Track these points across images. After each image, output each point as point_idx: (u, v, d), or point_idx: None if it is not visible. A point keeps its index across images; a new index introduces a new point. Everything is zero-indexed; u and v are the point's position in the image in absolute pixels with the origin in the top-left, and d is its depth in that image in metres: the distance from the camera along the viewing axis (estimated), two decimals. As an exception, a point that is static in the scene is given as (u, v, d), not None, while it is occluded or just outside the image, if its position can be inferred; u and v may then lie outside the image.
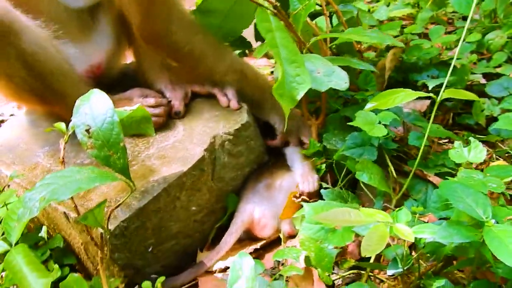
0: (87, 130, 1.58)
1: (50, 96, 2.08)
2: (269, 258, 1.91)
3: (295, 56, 1.73)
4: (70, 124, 1.67)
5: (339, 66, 1.92)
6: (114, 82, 2.32)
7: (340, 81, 1.85)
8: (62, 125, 1.71)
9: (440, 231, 1.30)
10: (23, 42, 1.92)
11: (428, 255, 1.52)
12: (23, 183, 1.99)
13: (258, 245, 1.99)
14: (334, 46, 2.33)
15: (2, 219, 1.90)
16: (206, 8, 2.19)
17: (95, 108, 1.60)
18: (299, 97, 1.72)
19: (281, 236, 1.96)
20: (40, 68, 1.98)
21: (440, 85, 1.90)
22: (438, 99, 1.77)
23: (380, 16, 3.25)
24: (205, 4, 2.18)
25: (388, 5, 3.54)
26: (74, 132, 1.62)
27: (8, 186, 2.04)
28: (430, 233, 1.33)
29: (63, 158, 1.68)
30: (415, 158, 1.85)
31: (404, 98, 1.74)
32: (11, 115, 3.16)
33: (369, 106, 1.83)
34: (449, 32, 3.04)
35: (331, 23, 2.52)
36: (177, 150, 2.00)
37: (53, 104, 2.12)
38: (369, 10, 3.34)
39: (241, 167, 2.10)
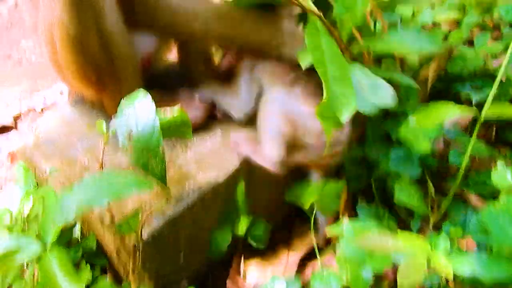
0: (129, 133, 1.58)
1: (109, 79, 2.10)
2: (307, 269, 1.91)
3: (343, 74, 1.66)
4: (111, 124, 1.67)
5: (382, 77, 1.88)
6: (160, 78, 2.31)
7: (387, 96, 1.77)
8: (102, 124, 1.71)
9: (480, 266, 1.28)
10: (105, 20, 1.96)
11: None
12: (61, 178, 2.00)
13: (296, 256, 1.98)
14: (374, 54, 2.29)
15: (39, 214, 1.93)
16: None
17: (138, 111, 1.60)
18: (344, 119, 1.62)
19: (315, 247, 1.95)
20: (113, 48, 2.02)
21: (484, 98, 1.86)
22: (481, 116, 1.73)
23: (425, 20, 3.18)
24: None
25: (433, 8, 3.47)
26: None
27: (47, 181, 2.06)
28: (469, 267, 1.30)
29: (102, 161, 1.68)
30: (455, 176, 1.81)
31: (448, 114, 1.71)
32: (53, 103, 3.20)
33: (411, 120, 1.79)
34: (495, 39, 2.97)
35: (374, 28, 2.47)
36: (215, 156, 1.99)
37: (107, 88, 2.14)
38: (413, 14, 3.26)
39: (278, 179, 2.08)
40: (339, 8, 1.94)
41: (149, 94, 1.61)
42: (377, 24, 2.50)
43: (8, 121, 3.04)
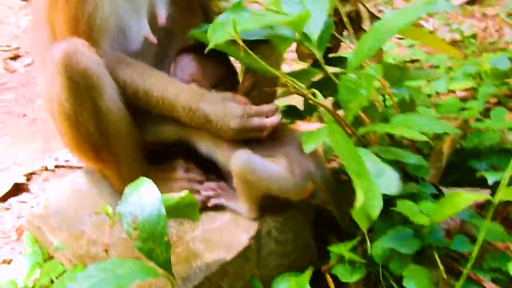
0: (134, 221, 1.57)
1: (107, 156, 2.14)
2: None
3: (360, 167, 1.70)
4: (117, 209, 1.67)
5: (388, 159, 1.88)
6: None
7: (390, 184, 1.79)
8: (108, 209, 1.71)
9: None
10: (102, 100, 2.01)
11: None
12: (67, 254, 2.00)
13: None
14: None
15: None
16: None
17: (143, 199, 1.60)
18: (376, 216, 1.69)
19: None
20: (109, 127, 2.06)
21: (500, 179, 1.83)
22: (496, 200, 1.70)
23: (439, 89, 3.18)
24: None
25: (448, 72, 3.47)
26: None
27: (52, 257, 2.05)
28: None
29: (106, 247, 1.67)
30: (469, 257, 1.78)
31: (462, 205, 1.69)
32: (66, 160, 3.20)
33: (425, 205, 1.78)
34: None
35: (384, 102, 2.47)
36: (222, 234, 1.98)
37: (106, 164, 2.18)
38: (428, 81, 3.26)
39: (287, 254, 2.06)
40: (342, 91, 1.95)
41: (153, 183, 1.61)
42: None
43: (20, 180, 3.05)
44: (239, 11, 1.93)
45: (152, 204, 1.58)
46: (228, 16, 1.88)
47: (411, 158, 2.00)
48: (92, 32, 2.03)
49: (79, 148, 2.19)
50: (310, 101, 1.97)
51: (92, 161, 2.24)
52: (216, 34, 1.81)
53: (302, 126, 3.23)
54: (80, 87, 1.99)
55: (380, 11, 4.29)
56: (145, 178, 1.63)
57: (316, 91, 1.84)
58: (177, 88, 2.06)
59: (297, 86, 1.82)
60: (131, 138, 2.12)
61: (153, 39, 2.16)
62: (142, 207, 1.58)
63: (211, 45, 1.84)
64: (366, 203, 1.69)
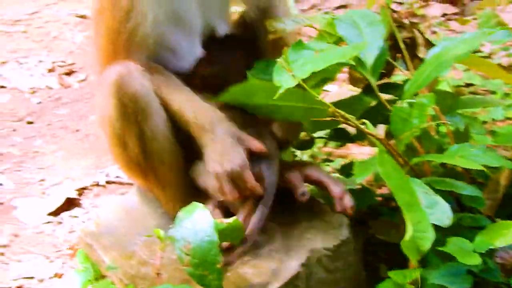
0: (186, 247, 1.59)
1: (152, 179, 2.19)
2: None
3: (413, 199, 1.69)
4: (169, 233, 1.69)
5: (442, 189, 1.86)
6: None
7: (443, 215, 1.77)
8: (160, 232, 1.73)
9: None
10: (147, 126, 2.07)
11: None
12: (118, 273, 2.03)
13: None
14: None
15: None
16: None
17: (196, 224, 1.62)
18: (426, 249, 1.69)
19: None
20: (152, 154, 2.11)
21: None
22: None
23: (495, 116, 3.12)
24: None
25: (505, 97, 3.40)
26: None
27: (103, 275, 2.09)
28: None
29: (158, 270, 1.69)
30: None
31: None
32: (117, 176, 3.26)
33: (479, 240, 1.75)
34: None
35: (437, 131, 2.43)
36: (272, 260, 1.98)
37: (153, 186, 2.23)
38: (484, 107, 3.20)
39: (337, 283, 2.05)
40: (395, 120, 1.94)
41: (207, 209, 1.63)
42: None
43: (72, 194, 3.12)
44: (300, 50, 1.92)
45: (205, 230, 1.60)
46: (292, 57, 1.86)
47: (466, 189, 1.98)
48: (131, 47, 2.09)
49: (127, 167, 2.25)
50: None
51: (139, 180, 2.30)
52: (283, 78, 1.79)
53: (353, 149, 3.23)
54: (128, 110, 2.05)
55: (434, 32, 4.25)
56: (198, 204, 1.66)
57: (367, 121, 1.82)
58: (198, 107, 2.10)
59: (346, 117, 1.80)
60: (176, 167, 2.16)
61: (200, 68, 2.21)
62: (195, 232, 1.60)
63: (281, 90, 1.82)
64: (417, 235, 1.69)
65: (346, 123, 1.82)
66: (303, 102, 1.92)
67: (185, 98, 2.12)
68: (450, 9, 4.49)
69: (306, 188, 2.16)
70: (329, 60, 1.86)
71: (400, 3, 4.66)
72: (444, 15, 4.45)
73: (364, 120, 1.82)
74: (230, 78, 2.26)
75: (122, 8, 2.04)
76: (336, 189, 2.15)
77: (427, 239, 1.68)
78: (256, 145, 2.06)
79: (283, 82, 1.81)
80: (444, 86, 3.28)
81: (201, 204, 1.66)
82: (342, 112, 1.75)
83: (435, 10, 4.52)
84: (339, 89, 3.63)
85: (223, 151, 2.01)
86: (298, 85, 1.81)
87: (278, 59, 1.78)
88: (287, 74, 1.74)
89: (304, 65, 1.79)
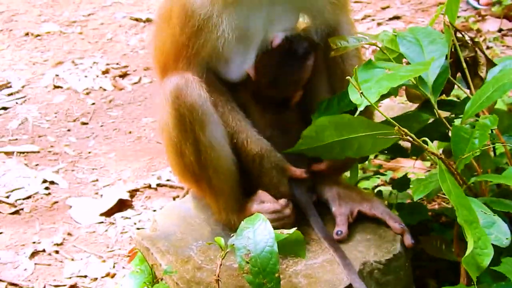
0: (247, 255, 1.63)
1: (206, 187, 2.25)
2: None
3: (472, 216, 1.70)
4: (229, 242, 1.73)
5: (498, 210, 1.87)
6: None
7: (502, 235, 1.78)
8: (221, 241, 1.77)
9: None
10: (204, 135, 2.13)
11: None
12: (174, 277, 2.08)
13: None
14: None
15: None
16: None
17: (257, 235, 1.65)
18: (485, 265, 1.69)
19: None
20: (208, 162, 2.16)
21: None
22: None
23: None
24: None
25: None
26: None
27: (161, 278, 2.14)
28: None
29: (218, 276, 1.73)
30: None
31: None
32: (168, 180, 3.31)
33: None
34: None
35: (494, 153, 2.42)
36: (325, 272, 2.01)
37: (206, 194, 2.29)
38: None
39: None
40: (455, 139, 1.94)
41: (268, 220, 1.66)
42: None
43: (124, 196, 3.19)
44: (371, 70, 1.94)
45: (265, 241, 1.64)
46: (362, 76, 1.88)
47: (524, 212, 1.96)
48: (194, 60, 2.15)
49: (182, 174, 2.32)
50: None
51: (193, 188, 2.37)
52: (357, 97, 1.82)
53: (403, 162, 3.22)
54: (186, 120, 2.11)
55: (488, 47, 4.21)
56: (260, 215, 1.69)
57: (428, 140, 1.83)
58: (249, 136, 2.20)
59: (409, 135, 1.81)
60: (230, 177, 2.21)
61: (253, 75, 2.25)
62: (255, 242, 1.64)
63: (360, 108, 1.85)
64: (476, 252, 1.70)
65: (407, 140, 1.83)
66: (371, 129, 1.96)
67: (237, 124, 2.20)
68: (507, 24, 4.44)
69: (345, 228, 2.17)
70: (400, 78, 1.88)
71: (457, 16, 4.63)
72: (500, 30, 4.41)
73: (425, 138, 1.83)
74: (282, 89, 2.31)
75: (193, 25, 2.09)
76: (395, 226, 2.17)
77: (487, 256, 1.69)
78: (297, 173, 2.22)
79: (359, 101, 1.83)
80: (499, 105, 3.26)
81: (262, 215, 1.69)
82: (406, 130, 1.76)
83: (491, 25, 4.47)
84: (390, 102, 3.63)
85: (269, 184, 2.21)
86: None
87: (348, 78, 1.79)
88: (358, 93, 1.76)
89: (377, 85, 1.81)
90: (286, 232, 1.76)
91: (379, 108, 1.83)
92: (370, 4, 4.89)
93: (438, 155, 1.74)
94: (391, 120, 1.78)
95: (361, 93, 1.71)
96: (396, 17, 4.70)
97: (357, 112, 1.83)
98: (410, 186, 2.51)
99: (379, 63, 1.93)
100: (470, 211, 1.70)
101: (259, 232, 1.65)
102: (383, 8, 4.83)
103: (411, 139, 1.74)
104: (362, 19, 4.71)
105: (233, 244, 1.68)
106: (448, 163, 1.84)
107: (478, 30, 4.40)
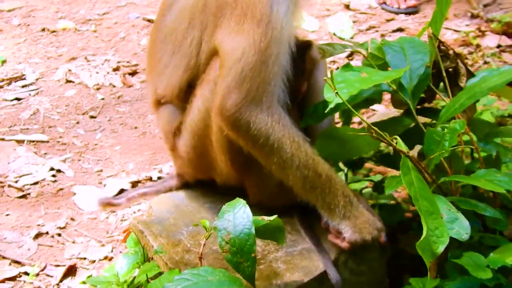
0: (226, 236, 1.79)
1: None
2: None
3: (433, 207, 1.84)
4: (213, 224, 1.88)
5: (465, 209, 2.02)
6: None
7: (462, 230, 1.92)
8: (206, 223, 1.93)
9: None
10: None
11: None
12: (164, 257, 2.23)
13: None
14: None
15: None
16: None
17: (237, 218, 1.81)
18: (439, 251, 1.83)
19: None
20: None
21: None
22: None
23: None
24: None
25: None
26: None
27: (152, 258, 2.30)
28: None
29: (201, 255, 1.88)
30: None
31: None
32: (168, 173, 3.46)
33: (493, 257, 1.88)
34: None
35: (472, 157, 2.56)
36: (303, 259, 2.16)
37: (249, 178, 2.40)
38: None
39: (361, 285, 2.21)
40: (428, 141, 2.09)
41: (247, 206, 1.82)
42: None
43: (126, 186, 3.34)
44: (347, 72, 2.08)
45: (244, 223, 1.79)
46: (339, 78, 2.02)
47: (489, 211, 2.10)
48: (260, 90, 2.13)
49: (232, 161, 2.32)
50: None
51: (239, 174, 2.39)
52: (331, 96, 1.96)
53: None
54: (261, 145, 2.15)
55: (486, 62, 4.34)
56: (240, 200, 1.84)
57: (398, 138, 1.97)
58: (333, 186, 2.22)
59: (380, 134, 1.96)
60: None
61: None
62: (235, 224, 1.79)
63: (331, 105, 1.99)
64: (432, 239, 1.84)
65: (377, 139, 1.96)
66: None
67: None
68: (506, 41, 4.56)
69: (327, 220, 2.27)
70: (372, 81, 2.03)
71: (457, 31, 4.76)
72: (498, 46, 4.53)
73: (396, 137, 1.97)
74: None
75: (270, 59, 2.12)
76: None
77: (442, 243, 1.83)
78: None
79: (331, 98, 1.98)
80: (487, 116, 3.40)
81: (242, 201, 1.84)
82: (376, 129, 1.91)
83: (490, 41, 4.59)
84: (386, 110, 3.77)
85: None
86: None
87: (325, 78, 1.94)
88: (333, 93, 1.91)
89: (351, 85, 1.96)
90: (267, 218, 1.91)
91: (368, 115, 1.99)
92: (375, 16, 5.02)
93: (405, 152, 1.88)
94: (367, 122, 1.93)
95: (336, 92, 1.86)
96: (400, 29, 4.81)
97: (328, 109, 1.98)
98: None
99: (356, 68, 2.08)
100: (432, 203, 1.84)
101: (238, 215, 1.81)
102: (388, 20, 4.96)
103: (381, 138, 1.89)
104: (367, 29, 4.84)
105: (216, 226, 1.83)
106: (416, 160, 1.98)
107: (478, 45, 4.52)
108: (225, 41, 2.16)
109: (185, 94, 2.38)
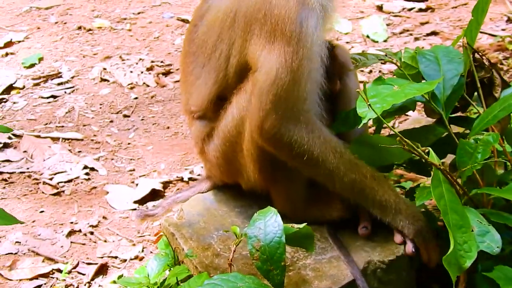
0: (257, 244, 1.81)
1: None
2: None
3: (463, 221, 1.85)
4: (244, 230, 1.91)
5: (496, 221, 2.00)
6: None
7: (493, 244, 1.91)
8: (237, 230, 1.95)
9: None
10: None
11: None
12: (194, 261, 2.27)
13: None
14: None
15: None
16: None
17: (268, 226, 1.83)
18: (466, 266, 1.82)
19: None
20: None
21: None
22: None
23: None
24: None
25: None
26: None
27: (182, 261, 2.33)
28: None
29: (231, 261, 1.91)
30: None
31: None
32: (199, 175, 3.50)
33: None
34: None
35: (505, 167, 2.54)
36: (331, 267, 2.17)
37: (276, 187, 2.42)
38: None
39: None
40: (460, 153, 2.09)
41: (278, 214, 1.84)
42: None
43: (157, 186, 3.39)
44: (380, 85, 2.10)
45: (274, 232, 1.81)
46: (371, 91, 2.04)
47: (521, 227, 2.09)
48: (296, 110, 2.17)
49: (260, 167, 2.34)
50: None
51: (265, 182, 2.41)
52: (364, 110, 1.97)
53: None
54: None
55: (515, 74, 4.29)
56: (272, 208, 1.86)
57: (431, 150, 1.97)
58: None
59: (410, 145, 1.95)
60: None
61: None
62: (266, 232, 1.81)
63: (364, 121, 2.00)
64: (460, 254, 1.84)
65: (408, 151, 1.96)
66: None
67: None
68: (543, 46, 4.50)
69: (369, 225, 2.31)
70: (405, 95, 2.03)
71: (492, 35, 4.70)
72: (535, 52, 4.47)
73: (428, 148, 1.97)
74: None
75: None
76: (397, 237, 2.28)
77: (469, 258, 1.82)
78: None
79: (364, 114, 1.98)
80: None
81: (274, 209, 1.87)
82: (408, 141, 1.91)
83: (527, 46, 4.53)
84: (419, 115, 3.75)
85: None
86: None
87: (358, 90, 1.95)
88: (366, 106, 1.91)
89: (383, 100, 1.97)
90: (296, 226, 1.93)
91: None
92: (410, 19, 4.98)
93: (436, 165, 1.88)
94: (399, 134, 1.93)
95: (369, 105, 1.87)
96: (434, 33, 4.76)
97: (361, 124, 1.99)
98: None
99: (388, 80, 2.08)
100: (462, 216, 1.84)
101: (269, 223, 1.83)
102: (422, 24, 4.91)
103: (412, 150, 1.89)
104: (400, 33, 4.81)
105: (246, 233, 1.86)
106: (448, 172, 1.98)
107: (514, 51, 4.46)
108: (257, 59, 2.20)
109: (214, 106, 2.43)
